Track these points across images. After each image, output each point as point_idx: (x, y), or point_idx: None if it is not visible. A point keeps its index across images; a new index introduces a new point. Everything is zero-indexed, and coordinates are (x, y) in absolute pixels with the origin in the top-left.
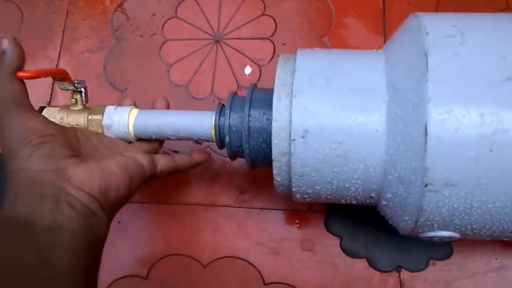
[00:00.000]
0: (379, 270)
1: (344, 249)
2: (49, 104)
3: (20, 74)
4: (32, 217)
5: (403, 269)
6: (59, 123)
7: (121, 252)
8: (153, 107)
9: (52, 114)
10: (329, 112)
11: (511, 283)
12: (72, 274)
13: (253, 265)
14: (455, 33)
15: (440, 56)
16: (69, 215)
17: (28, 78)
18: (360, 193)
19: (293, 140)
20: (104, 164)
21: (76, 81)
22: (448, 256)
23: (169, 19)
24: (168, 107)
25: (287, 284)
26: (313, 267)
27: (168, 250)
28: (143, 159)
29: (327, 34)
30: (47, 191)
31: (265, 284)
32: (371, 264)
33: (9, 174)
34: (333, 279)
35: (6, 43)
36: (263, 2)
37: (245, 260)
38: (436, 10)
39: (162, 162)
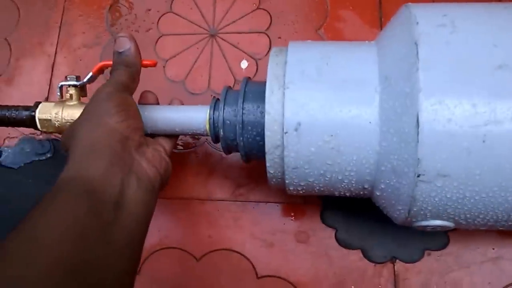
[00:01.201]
0: (373, 262)
1: (339, 241)
2: (47, 99)
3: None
4: (103, 184)
5: (397, 260)
6: (54, 119)
7: None
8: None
9: (47, 109)
10: (322, 105)
11: (506, 274)
12: (125, 255)
13: (247, 258)
14: (445, 22)
15: (431, 45)
16: (134, 189)
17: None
18: (354, 185)
19: (286, 132)
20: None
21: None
22: (444, 246)
23: (164, 14)
24: (157, 101)
25: (279, 277)
26: (307, 259)
27: (162, 243)
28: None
29: (322, 27)
30: (125, 157)
31: (258, 277)
32: (366, 255)
33: (93, 125)
34: (327, 271)
35: (127, 43)
36: None
37: (239, 252)
38: (433, 1)
39: (167, 144)
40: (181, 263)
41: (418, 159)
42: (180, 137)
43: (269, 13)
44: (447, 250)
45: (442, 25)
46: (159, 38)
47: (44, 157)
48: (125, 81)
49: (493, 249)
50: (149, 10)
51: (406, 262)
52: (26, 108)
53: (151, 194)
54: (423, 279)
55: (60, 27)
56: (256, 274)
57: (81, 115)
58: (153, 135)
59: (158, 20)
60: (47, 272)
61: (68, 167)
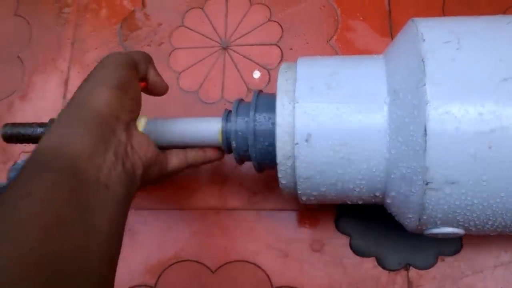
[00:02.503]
0: (387, 269)
1: (353, 248)
2: None
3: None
4: (89, 161)
5: (411, 267)
6: None
7: (130, 260)
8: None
9: None
10: (331, 116)
11: None
12: (107, 240)
13: (262, 269)
14: (451, 39)
15: (437, 62)
16: (119, 173)
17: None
18: (365, 193)
19: (297, 144)
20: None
21: None
22: (457, 251)
23: (176, 28)
24: None
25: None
26: (321, 268)
27: (178, 256)
28: (161, 156)
29: (333, 37)
30: (111, 136)
31: None
32: (380, 262)
33: (87, 93)
34: (341, 280)
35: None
36: (269, 8)
37: (254, 264)
38: (442, 11)
39: (174, 161)
40: (197, 275)
41: (426, 167)
42: None
43: (280, 25)
44: (461, 254)
45: (448, 42)
46: (172, 51)
47: None
48: (136, 58)
49: (506, 252)
50: (161, 24)
51: (420, 269)
52: (41, 125)
53: (132, 181)
54: (436, 286)
55: (72, 44)
56: (271, 285)
57: (83, 80)
58: (167, 148)
59: (171, 34)
60: (12, 266)
61: (52, 132)
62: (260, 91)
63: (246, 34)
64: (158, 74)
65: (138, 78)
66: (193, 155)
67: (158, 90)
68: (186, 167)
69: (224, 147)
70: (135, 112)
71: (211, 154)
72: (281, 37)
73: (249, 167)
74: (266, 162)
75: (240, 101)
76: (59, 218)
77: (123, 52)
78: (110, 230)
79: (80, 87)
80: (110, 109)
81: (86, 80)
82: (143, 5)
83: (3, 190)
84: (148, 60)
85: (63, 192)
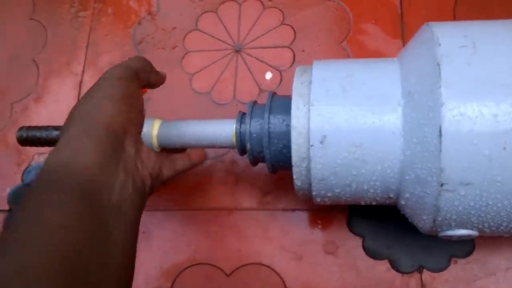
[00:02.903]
0: (401, 272)
1: (366, 250)
2: None
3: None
4: (100, 176)
5: (424, 270)
6: None
7: (146, 264)
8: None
9: None
10: (346, 118)
11: None
12: (121, 267)
13: (276, 272)
14: (466, 43)
15: (453, 66)
16: (130, 190)
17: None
18: (379, 194)
19: (312, 145)
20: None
21: None
22: (470, 253)
23: (190, 31)
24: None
25: None
26: (335, 271)
27: (193, 259)
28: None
29: (345, 40)
30: (120, 151)
31: None
32: (393, 265)
33: (92, 108)
34: (355, 283)
35: None
36: (282, 11)
37: (268, 267)
38: (454, 14)
39: (165, 171)
40: (212, 279)
41: (441, 168)
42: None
43: (293, 28)
44: (473, 256)
45: (463, 47)
46: (185, 54)
47: None
48: (136, 68)
49: None
50: (175, 28)
51: (433, 271)
52: (56, 128)
53: (142, 197)
54: None
55: (87, 47)
56: None
57: (84, 95)
58: (182, 150)
59: (184, 37)
60: None
61: (59, 148)
62: (274, 93)
63: (259, 37)
64: (157, 73)
65: (140, 88)
66: (180, 164)
67: (160, 83)
68: (176, 175)
69: (238, 148)
70: (140, 125)
71: (195, 159)
72: (293, 39)
73: (261, 167)
74: (281, 163)
75: (254, 103)
76: (77, 246)
77: (123, 64)
78: (124, 257)
79: (82, 102)
80: (118, 123)
81: (88, 95)
82: (158, 9)
83: (19, 192)
84: (149, 68)
85: (76, 219)
